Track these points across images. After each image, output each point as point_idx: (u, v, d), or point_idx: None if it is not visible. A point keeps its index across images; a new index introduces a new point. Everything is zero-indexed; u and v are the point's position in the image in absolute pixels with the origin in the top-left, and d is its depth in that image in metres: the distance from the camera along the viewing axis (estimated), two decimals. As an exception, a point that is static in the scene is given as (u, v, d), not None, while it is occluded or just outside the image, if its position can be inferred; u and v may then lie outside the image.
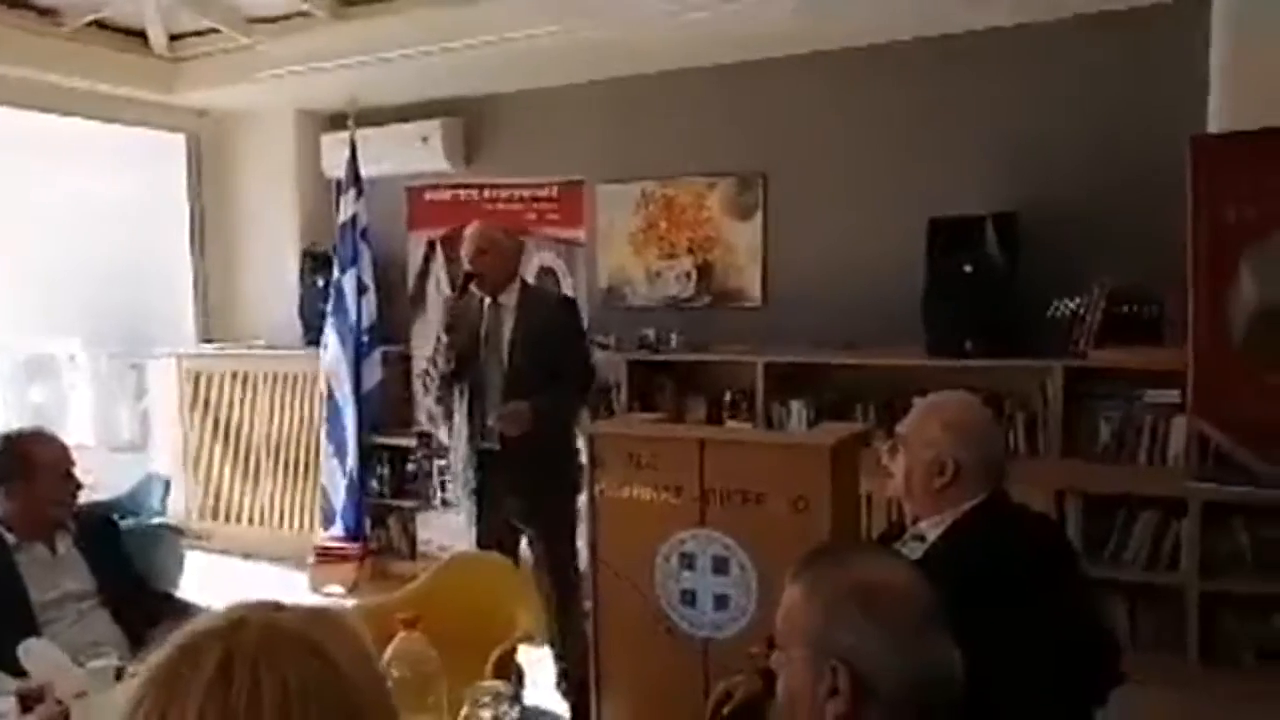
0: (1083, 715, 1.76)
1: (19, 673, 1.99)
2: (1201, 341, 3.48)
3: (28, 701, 1.82)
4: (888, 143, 4.40)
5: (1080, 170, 4.03)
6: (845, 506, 2.85)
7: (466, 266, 3.39)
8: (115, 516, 3.00)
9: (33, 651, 1.96)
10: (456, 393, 3.43)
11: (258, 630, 0.83)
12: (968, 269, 3.97)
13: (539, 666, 3.45)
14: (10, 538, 2.34)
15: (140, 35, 5.05)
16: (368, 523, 5.17)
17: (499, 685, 1.54)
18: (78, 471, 2.43)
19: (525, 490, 3.34)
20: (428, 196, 4.86)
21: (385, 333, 5.16)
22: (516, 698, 1.51)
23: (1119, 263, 3.89)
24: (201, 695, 0.78)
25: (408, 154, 5.31)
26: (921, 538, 1.89)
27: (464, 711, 1.46)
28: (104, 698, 1.93)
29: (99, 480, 3.87)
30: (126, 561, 2.57)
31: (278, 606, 0.88)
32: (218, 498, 5.69)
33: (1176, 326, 3.67)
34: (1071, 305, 3.93)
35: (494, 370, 3.38)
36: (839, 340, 4.35)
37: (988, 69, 4.19)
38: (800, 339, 4.47)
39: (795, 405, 4.39)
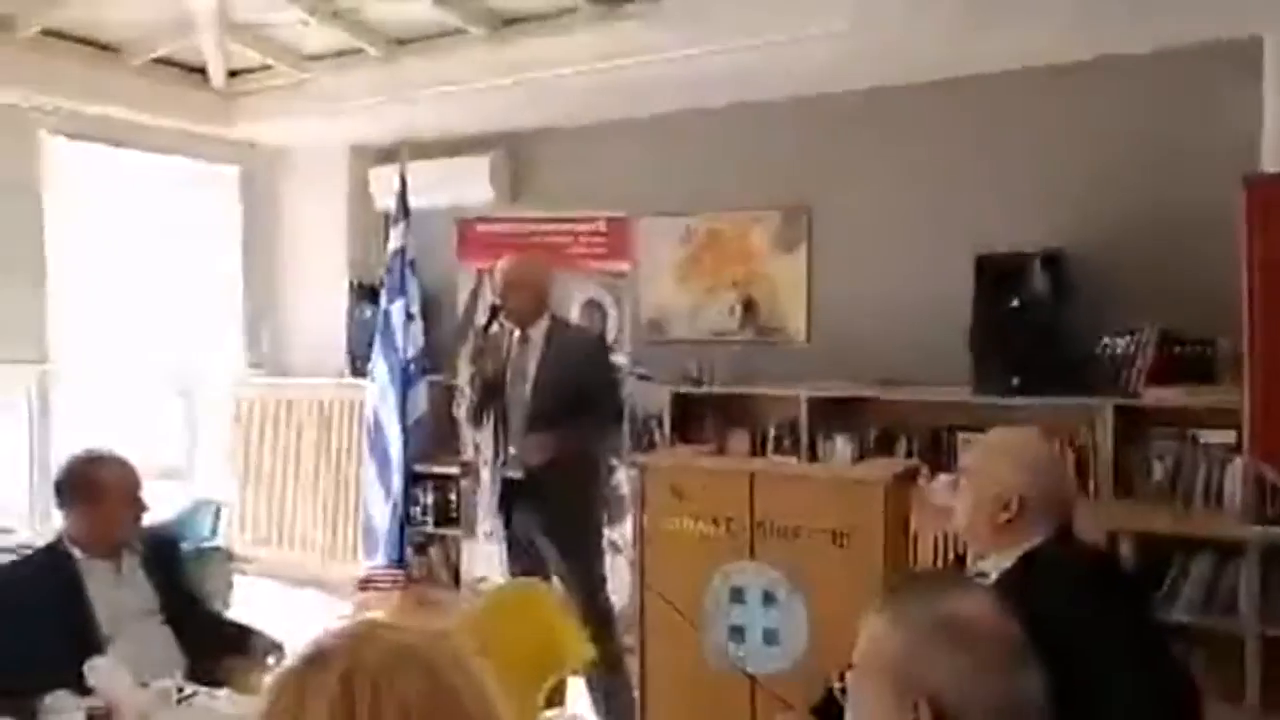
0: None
1: (84, 690, 2.03)
2: (1257, 382, 3.42)
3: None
4: (934, 178, 4.41)
5: (1131, 207, 4.00)
6: (896, 543, 2.84)
7: (494, 300, 3.50)
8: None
9: (99, 670, 1.99)
10: (483, 422, 3.51)
11: (378, 649, 0.86)
12: (1015, 305, 3.95)
13: (580, 696, 3.43)
14: (78, 554, 2.39)
15: (200, 71, 5.20)
16: (410, 552, 5.20)
17: (566, 714, 1.55)
18: (143, 494, 2.48)
19: (548, 520, 3.41)
20: (478, 229, 4.93)
21: (432, 363, 5.22)
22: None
23: (1171, 301, 3.85)
24: (326, 709, 0.82)
25: (456, 187, 5.40)
26: (984, 575, 1.87)
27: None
28: (164, 718, 1.96)
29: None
30: (186, 583, 2.62)
31: (392, 626, 0.91)
32: (264, 524, 5.76)
33: (1231, 366, 3.63)
34: (1122, 344, 3.89)
35: (518, 402, 3.45)
36: (883, 375, 4.33)
37: (1036, 106, 4.19)
38: (844, 373, 4.46)
39: (839, 440, 4.35)
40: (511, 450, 3.42)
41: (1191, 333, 3.81)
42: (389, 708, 0.82)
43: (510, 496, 3.47)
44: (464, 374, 3.60)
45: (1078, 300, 3.93)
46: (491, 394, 3.46)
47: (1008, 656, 1.16)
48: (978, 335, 4.02)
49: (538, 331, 3.48)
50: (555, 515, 3.40)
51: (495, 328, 3.48)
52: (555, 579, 3.46)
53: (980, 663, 1.14)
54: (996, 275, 3.99)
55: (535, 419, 3.39)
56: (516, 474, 3.42)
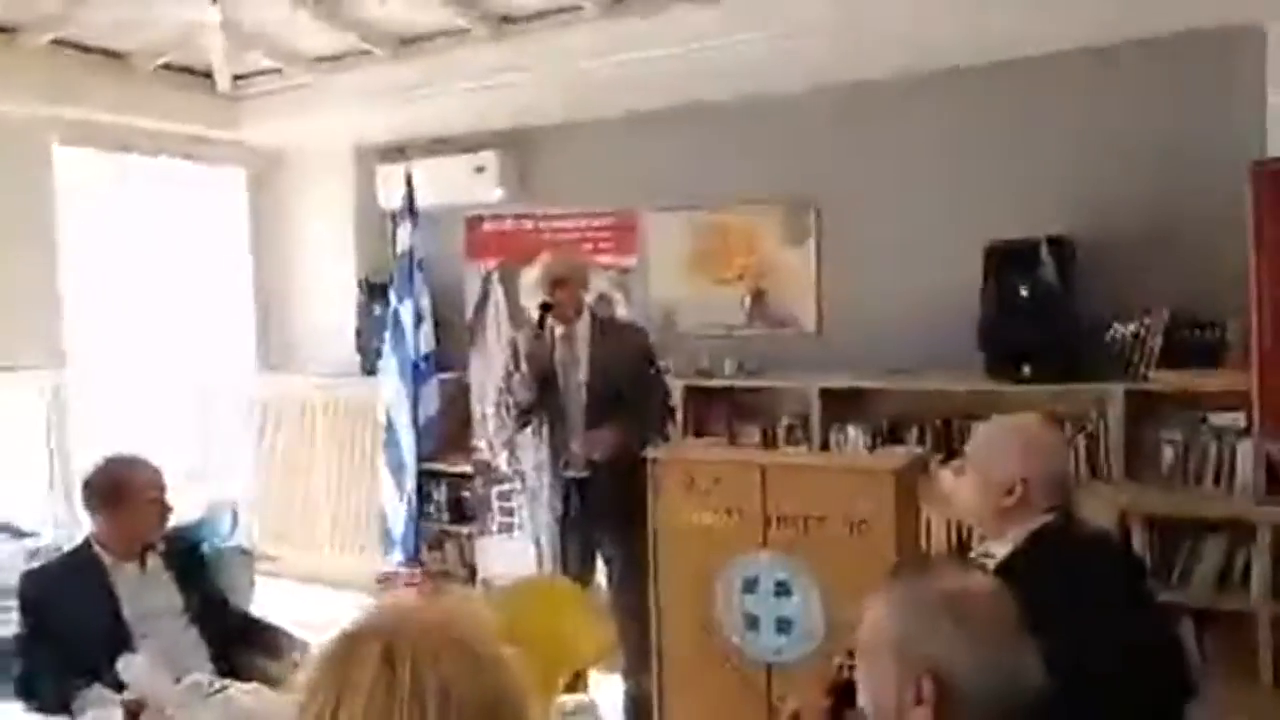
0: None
1: (118, 685, 2.08)
2: (1266, 364, 3.45)
3: (132, 713, 1.90)
4: (941, 168, 4.42)
5: (1138, 194, 4.01)
6: (907, 530, 2.86)
7: (544, 298, 3.39)
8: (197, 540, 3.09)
9: (133, 665, 2.05)
10: (535, 423, 3.47)
11: (418, 626, 0.91)
12: (1024, 293, 3.97)
13: (602, 691, 3.47)
14: (106, 557, 2.45)
15: (206, 76, 5.24)
16: (425, 549, 5.26)
17: (584, 699, 1.59)
18: (167, 496, 2.53)
19: (611, 516, 3.38)
20: (486, 226, 4.97)
21: (443, 361, 5.26)
22: (599, 714, 1.56)
23: (1179, 286, 3.87)
24: (369, 683, 0.86)
25: (462, 184, 5.41)
26: (989, 556, 1.92)
27: (556, 722, 1.51)
28: (197, 710, 2.01)
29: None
30: (211, 582, 2.68)
31: (431, 605, 0.95)
32: (280, 524, 5.81)
33: (1240, 349, 3.65)
34: (1131, 329, 3.91)
35: (573, 399, 3.43)
36: (893, 365, 4.36)
37: (1042, 94, 4.20)
38: (855, 364, 4.48)
39: (851, 430, 4.40)
40: (572, 448, 3.39)
41: (1200, 317, 3.83)
42: (430, 683, 0.86)
43: (570, 496, 3.43)
44: (507, 375, 3.51)
45: (1086, 287, 3.94)
46: (544, 394, 3.42)
47: (1005, 632, 1.21)
48: (987, 324, 4.05)
49: (581, 326, 3.47)
50: (620, 511, 3.33)
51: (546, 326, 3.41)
52: (608, 572, 3.47)
53: (979, 637, 1.19)
54: (1005, 263, 4.01)
55: (593, 414, 3.37)
56: (580, 473, 3.40)
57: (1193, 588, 3.60)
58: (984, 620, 1.21)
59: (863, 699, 1.29)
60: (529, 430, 3.50)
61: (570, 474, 3.42)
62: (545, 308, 3.38)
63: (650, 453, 3.17)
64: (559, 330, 3.46)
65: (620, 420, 3.34)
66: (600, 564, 3.52)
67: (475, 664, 0.90)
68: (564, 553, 3.47)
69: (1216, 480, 3.75)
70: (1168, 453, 3.83)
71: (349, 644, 0.90)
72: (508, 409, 3.47)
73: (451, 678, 0.87)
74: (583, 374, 3.43)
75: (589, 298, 3.83)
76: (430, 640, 0.90)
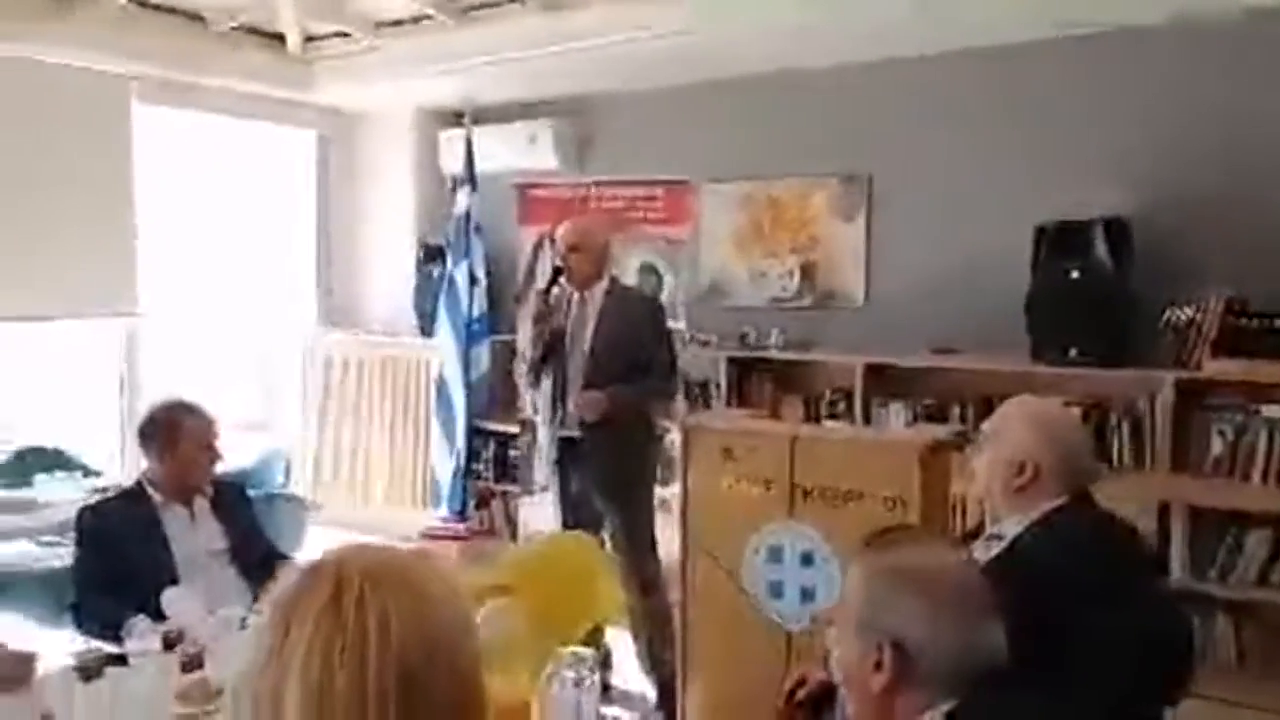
0: (1152, 714, 1.76)
1: (161, 617, 2.22)
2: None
3: (169, 642, 2.03)
4: (995, 145, 4.34)
5: (1197, 175, 3.90)
6: (935, 507, 2.86)
7: (557, 261, 3.57)
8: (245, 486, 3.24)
9: (173, 599, 2.18)
10: (541, 381, 3.60)
11: (365, 563, 0.97)
12: (1075, 275, 3.90)
13: (629, 650, 3.57)
14: (157, 497, 2.59)
15: (278, 38, 5.39)
16: (472, 506, 5.41)
17: (582, 651, 1.66)
18: (218, 444, 2.67)
19: (603, 478, 3.49)
20: (538, 193, 5.03)
21: (494, 324, 5.37)
22: (595, 666, 1.63)
23: (1238, 272, 3.76)
24: (317, 611, 0.92)
25: (519, 152, 5.48)
26: (1000, 536, 1.92)
27: (548, 670, 1.58)
28: (232, 642, 2.14)
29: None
30: (256, 527, 2.81)
31: (383, 546, 1.01)
32: (334, 475, 6.02)
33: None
34: (1186, 314, 3.81)
35: (576, 361, 3.53)
36: (940, 342, 4.33)
37: (1099, 72, 4.10)
38: (901, 340, 4.46)
39: (894, 407, 4.39)
40: (569, 408, 3.50)
41: (1258, 304, 3.72)
42: (371, 614, 0.91)
43: (566, 454, 3.57)
44: (524, 335, 3.68)
45: (1141, 269, 3.85)
46: (551, 354, 3.54)
47: (966, 604, 1.24)
48: (1036, 304, 3.98)
49: (596, 292, 3.56)
50: (610, 473, 3.48)
51: (556, 289, 3.56)
52: (607, 535, 3.56)
53: (938, 608, 1.23)
54: (1057, 243, 3.94)
55: (592, 378, 3.47)
56: (573, 432, 3.51)
57: (1233, 582, 3.54)
58: (946, 593, 1.25)
59: (834, 663, 1.34)
60: (543, 389, 3.62)
61: (563, 433, 3.53)
62: (557, 271, 3.54)
63: (688, 420, 3.22)
64: (575, 295, 3.56)
65: (619, 385, 3.41)
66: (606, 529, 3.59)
67: (421, 603, 0.94)
68: (562, 509, 3.60)
69: (1265, 474, 3.66)
70: (1217, 443, 3.74)
71: (304, 577, 0.96)
72: (520, 366, 3.60)
73: (394, 612, 0.92)
74: (588, 338, 3.52)
75: (633, 267, 3.88)
76: (378, 575, 0.94)
